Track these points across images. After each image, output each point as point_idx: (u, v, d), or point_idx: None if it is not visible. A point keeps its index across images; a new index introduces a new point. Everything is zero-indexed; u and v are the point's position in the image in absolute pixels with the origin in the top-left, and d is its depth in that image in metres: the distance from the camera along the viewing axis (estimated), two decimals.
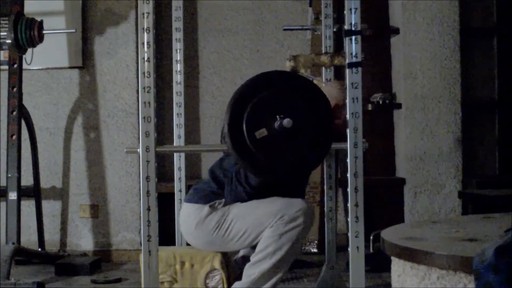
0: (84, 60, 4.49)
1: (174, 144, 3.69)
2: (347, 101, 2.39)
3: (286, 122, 2.44)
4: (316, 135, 2.50)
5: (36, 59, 4.12)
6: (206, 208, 2.91)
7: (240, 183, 2.83)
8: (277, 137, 2.46)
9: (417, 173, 4.51)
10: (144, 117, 2.35)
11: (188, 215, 2.98)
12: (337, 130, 2.66)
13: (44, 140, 4.48)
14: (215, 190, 2.95)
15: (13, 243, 3.76)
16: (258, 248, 2.83)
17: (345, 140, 2.42)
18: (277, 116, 2.46)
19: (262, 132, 2.47)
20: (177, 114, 3.57)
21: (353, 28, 2.36)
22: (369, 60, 4.54)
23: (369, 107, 4.57)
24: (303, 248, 4.49)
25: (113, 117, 4.47)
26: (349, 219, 2.38)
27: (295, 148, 2.49)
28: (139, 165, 2.41)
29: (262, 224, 2.82)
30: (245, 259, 2.98)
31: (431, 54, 4.51)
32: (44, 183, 4.43)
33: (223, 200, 2.92)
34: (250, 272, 2.83)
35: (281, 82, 2.54)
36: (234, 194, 2.87)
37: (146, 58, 2.35)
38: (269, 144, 2.47)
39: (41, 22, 3.98)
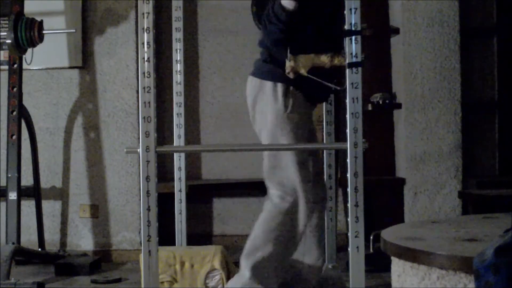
0: (84, 60, 4.48)
1: (174, 144, 3.70)
2: (347, 101, 2.38)
3: None
4: None
5: (36, 59, 4.11)
6: (269, 85, 2.88)
7: (271, 22, 2.77)
8: None
9: (417, 173, 4.51)
10: (144, 117, 2.35)
11: (255, 88, 2.95)
12: None
13: (44, 140, 4.48)
14: (267, 61, 2.91)
15: (13, 243, 3.76)
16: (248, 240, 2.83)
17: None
18: None
19: None
20: (177, 114, 3.57)
21: (353, 28, 2.36)
22: (369, 59, 4.54)
23: (369, 107, 4.57)
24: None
25: (113, 117, 4.47)
26: (349, 219, 2.38)
27: None
28: (139, 165, 2.41)
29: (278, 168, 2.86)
30: None
31: (431, 54, 4.51)
32: (44, 183, 4.43)
33: (285, 85, 2.87)
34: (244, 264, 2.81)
35: None
36: (269, 35, 2.83)
37: (146, 58, 2.35)
38: None
39: (41, 22, 3.98)
